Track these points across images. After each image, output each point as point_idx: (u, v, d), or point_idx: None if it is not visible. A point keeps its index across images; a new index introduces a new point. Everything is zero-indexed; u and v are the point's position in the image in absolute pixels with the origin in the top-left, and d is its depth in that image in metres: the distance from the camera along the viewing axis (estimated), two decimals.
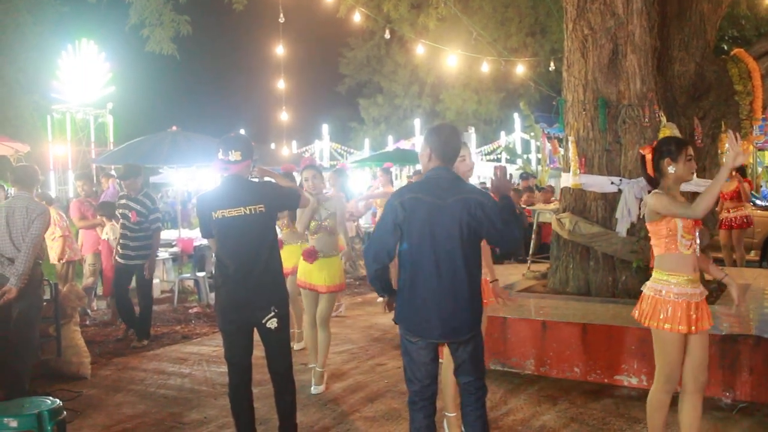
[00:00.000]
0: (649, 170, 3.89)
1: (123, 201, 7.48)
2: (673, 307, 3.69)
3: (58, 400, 4.27)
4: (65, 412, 4.31)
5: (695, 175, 6.74)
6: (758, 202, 13.23)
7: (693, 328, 3.69)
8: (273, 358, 4.24)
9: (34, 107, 26.54)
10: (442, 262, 3.37)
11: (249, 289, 4.08)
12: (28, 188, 5.45)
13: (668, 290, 3.72)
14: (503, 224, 3.38)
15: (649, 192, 3.87)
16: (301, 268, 5.69)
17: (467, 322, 3.44)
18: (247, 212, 4.08)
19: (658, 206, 3.71)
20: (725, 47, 15.15)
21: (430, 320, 3.40)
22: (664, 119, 6.81)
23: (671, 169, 3.79)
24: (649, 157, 3.88)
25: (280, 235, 6.42)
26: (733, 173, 7.93)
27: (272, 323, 4.11)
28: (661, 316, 3.71)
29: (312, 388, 5.57)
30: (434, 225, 3.38)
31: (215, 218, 4.08)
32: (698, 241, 3.79)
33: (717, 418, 4.75)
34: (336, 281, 5.63)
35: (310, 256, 5.56)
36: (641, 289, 3.88)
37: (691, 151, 3.84)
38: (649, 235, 3.88)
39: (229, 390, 4.23)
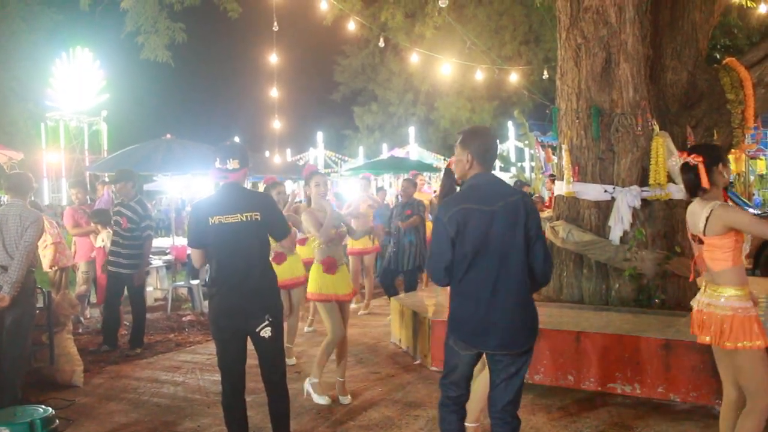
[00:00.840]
0: (705, 180, 3.65)
1: (117, 208, 7.47)
2: (758, 322, 3.52)
3: (50, 409, 4.26)
4: (58, 421, 4.29)
5: None
6: (750, 210, 13.30)
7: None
8: (267, 366, 4.23)
9: (28, 115, 26.54)
10: (502, 270, 3.29)
11: (243, 297, 4.06)
12: (22, 196, 5.44)
13: (743, 305, 3.54)
14: (544, 254, 3.36)
15: (688, 201, 3.75)
16: (323, 281, 5.45)
17: (526, 331, 3.37)
18: (244, 219, 4.08)
19: (737, 221, 3.51)
20: (717, 56, 15.24)
21: (489, 330, 3.31)
22: (656, 127, 6.85)
23: (725, 175, 3.70)
24: (703, 166, 3.65)
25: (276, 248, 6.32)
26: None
27: (266, 332, 4.10)
28: (750, 334, 3.49)
29: (341, 399, 5.50)
30: (489, 234, 3.29)
31: (212, 224, 4.05)
32: None
33: (710, 426, 4.75)
34: (352, 286, 5.68)
35: (333, 266, 5.45)
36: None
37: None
38: (707, 250, 3.64)
39: (222, 398, 4.22)
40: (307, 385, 5.57)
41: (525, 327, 3.36)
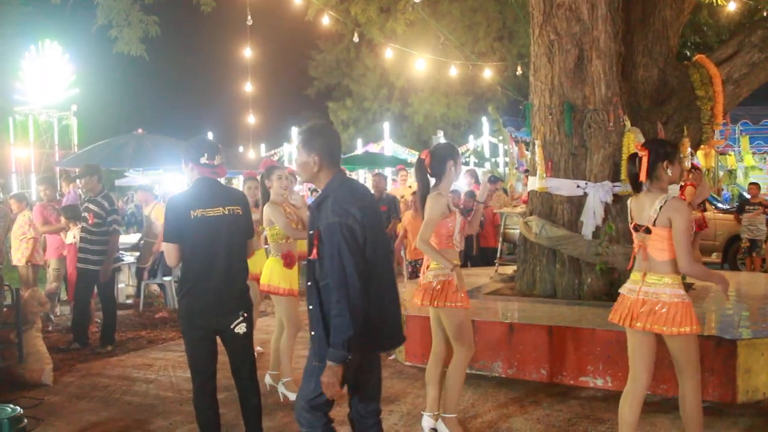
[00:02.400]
0: (643, 173, 3.74)
1: (84, 204, 7.40)
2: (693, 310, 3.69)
3: (18, 408, 4.19)
4: (26, 420, 4.23)
5: None
6: (720, 205, 13.52)
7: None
8: (238, 363, 4.20)
9: None
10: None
11: (220, 293, 4.02)
12: None
13: (684, 293, 3.69)
14: None
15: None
16: (279, 274, 5.47)
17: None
18: (226, 212, 4.06)
19: (676, 226, 3.60)
20: (688, 53, 15.45)
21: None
22: (628, 124, 6.92)
23: (669, 172, 3.74)
24: (645, 159, 3.73)
25: None
26: (689, 176, 8.06)
27: (241, 328, 4.08)
28: (694, 319, 3.66)
29: (291, 396, 5.39)
30: (381, 234, 3.38)
31: (193, 217, 3.97)
32: None
33: (680, 418, 4.81)
34: None
35: (293, 261, 5.45)
36: (661, 298, 3.68)
37: (693, 153, 3.88)
38: (654, 240, 3.72)
39: (194, 397, 4.18)
40: (280, 388, 5.51)
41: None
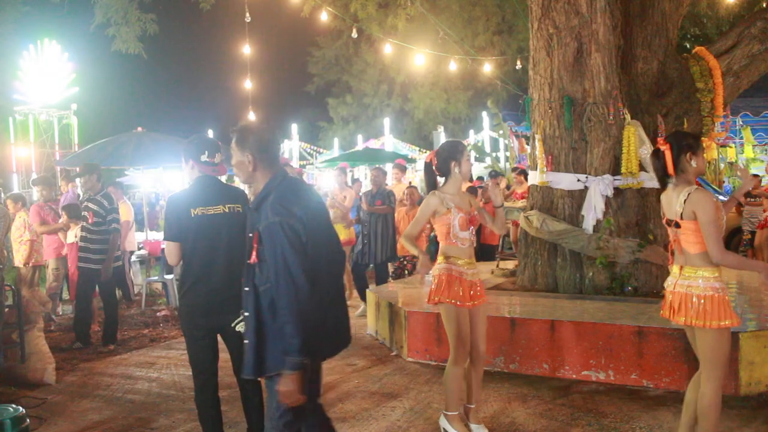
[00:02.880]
0: (670, 167, 3.72)
1: (84, 203, 7.40)
2: (729, 303, 3.66)
3: (21, 408, 4.19)
4: (29, 420, 4.23)
5: None
6: (721, 197, 13.49)
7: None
8: (240, 361, 4.19)
9: None
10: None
11: (221, 292, 4.01)
12: None
13: (721, 286, 3.65)
14: None
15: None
16: None
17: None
18: (227, 210, 4.05)
19: (700, 212, 3.56)
20: (687, 46, 15.42)
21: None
22: (628, 117, 6.90)
23: (693, 164, 3.70)
24: (669, 153, 3.71)
25: None
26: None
27: (242, 327, 4.07)
28: (728, 314, 3.61)
29: None
30: (327, 234, 3.25)
31: (194, 215, 3.97)
32: None
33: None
34: None
35: None
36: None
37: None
38: (684, 233, 3.68)
39: (196, 395, 4.17)
40: None
41: None
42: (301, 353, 2.89)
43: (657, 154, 3.81)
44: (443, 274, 4.35)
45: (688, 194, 3.63)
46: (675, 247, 3.81)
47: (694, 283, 3.66)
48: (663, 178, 3.82)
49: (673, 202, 3.74)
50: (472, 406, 4.52)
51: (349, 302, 9.30)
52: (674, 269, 3.81)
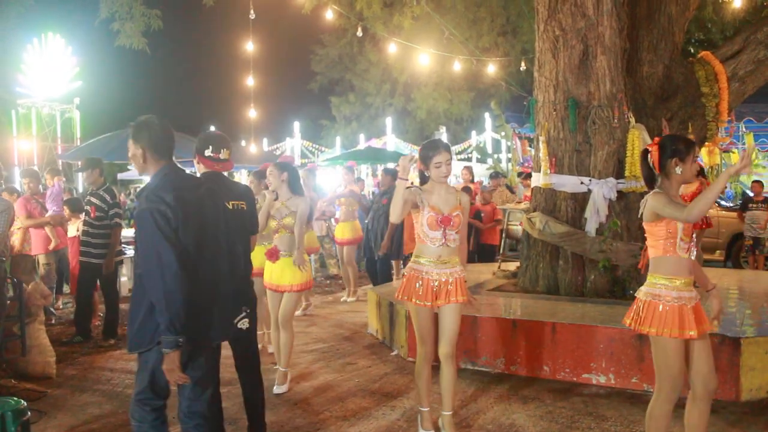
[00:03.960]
0: (656, 169, 3.66)
1: (87, 197, 7.41)
2: (671, 311, 3.53)
3: (22, 401, 4.18)
4: (30, 413, 4.22)
5: None
6: (723, 203, 13.49)
7: (692, 332, 3.52)
8: (242, 357, 4.21)
9: None
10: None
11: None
12: None
13: (666, 294, 3.56)
14: None
15: (644, 192, 3.77)
16: (266, 269, 5.60)
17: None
18: (230, 207, 4.06)
19: (657, 206, 3.51)
20: (692, 50, 15.39)
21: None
22: (632, 120, 6.90)
23: (678, 170, 3.60)
24: (656, 154, 3.65)
25: None
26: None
27: (244, 323, 4.09)
28: (661, 322, 3.54)
29: (275, 388, 5.47)
30: (214, 224, 3.46)
31: None
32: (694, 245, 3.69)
33: (683, 416, 4.80)
34: (299, 280, 5.49)
35: (273, 255, 5.47)
36: (633, 293, 3.72)
37: (698, 152, 3.76)
38: (646, 235, 3.73)
39: None
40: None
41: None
42: (171, 332, 3.03)
43: (645, 154, 3.76)
44: (408, 272, 4.40)
45: (647, 198, 3.63)
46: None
47: (651, 290, 3.64)
48: (648, 179, 3.77)
49: (642, 205, 3.73)
50: (448, 413, 4.45)
51: (354, 298, 9.42)
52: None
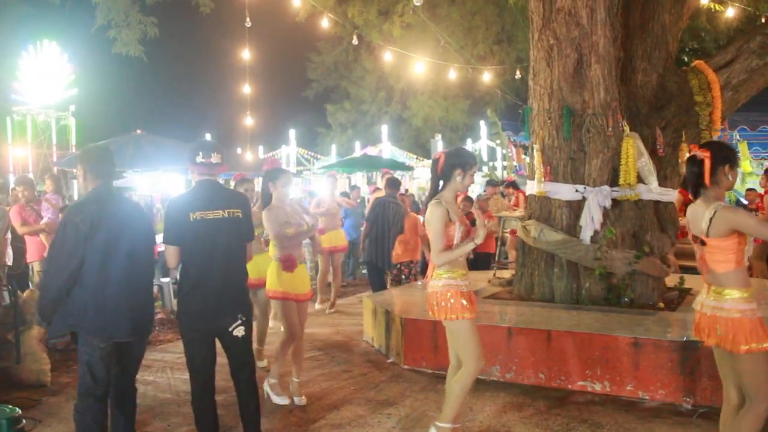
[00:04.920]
0: (707, 177, 3.57)
1: None
2: (762, 325, 3.47)
3: (17, 408, 4.19)
4: (24, 421, 4.23)
5: (657, 183, 6.89)
6: None
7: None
8: (237, 365, 4.20)
9: None
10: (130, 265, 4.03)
11: (219, 297, 4.02)
12: None
13: (748, 308, 3.47)
14: None
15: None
16: (281, 279, 5.32)
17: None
18: (226, 215, 4.05)
19: (739, 221, 3.43)
20: (686, 59, 15.49)
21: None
22: (627, 128, 6.93)
23: (729, 177, 3.56)
24: (708, 162, 3.55)
25: None
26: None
27: (239, 331, 4.08)
28: (755, 337, 3.42)
29: (296, 400, 5.39)
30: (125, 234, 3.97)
31: (192, 220, 3.97)
32: None
33: (678, 423, 4.83)
34: (309, 287, 5.56)
35: (291, 264, 5.32)
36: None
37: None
38: (710, 251, 3.57)
39: (192, 398, 4.18)
40: (265, 387, 5.48)
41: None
42: (42, 319, 3.99)
43: (694, 161, 3.65)
44: (451, 291, 4.16)
45: (714, 212, 3.50)
46: (701, 265, 3.68)
47: (722, 305, 3.52)
48: (696, 187, 3.65)
49: (700, 217, 3.59)
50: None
51: (333, 309, 9.41)
52: (704, 288, 3.68)
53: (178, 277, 4.64)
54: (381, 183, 13.33)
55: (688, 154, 3.76)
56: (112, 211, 3.93)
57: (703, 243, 3.60)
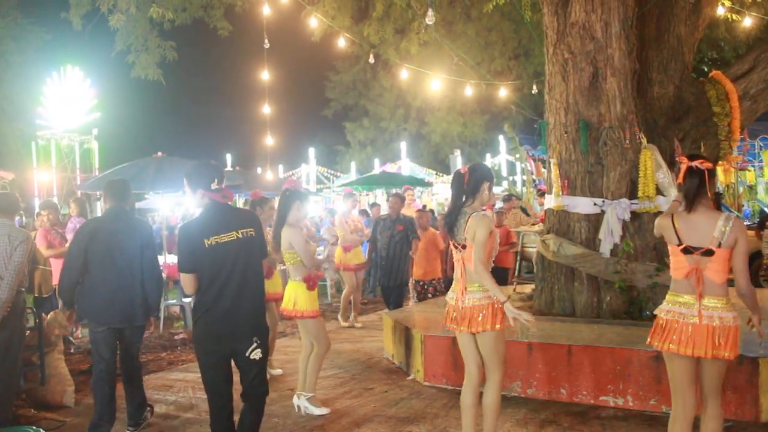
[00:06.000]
0: (707, 188, 3.68)
1: None
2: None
3: (42, 430, 4.21)
4: None
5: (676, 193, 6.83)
6: None
7: None
8: (251, 387, 4.09)
9: (19, 134, 26.50)
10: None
11: (234, 319, 3.95)
12: (9, 216, 5.43)
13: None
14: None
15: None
16: (304, 298, 5.51)
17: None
18: (240, 236, 3.98)
19: (743, 242, 3.62)
20: (705, 69, 15.38)
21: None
22: (644, 141, 6.90)
23: (712, 188, 3.74)
24: (707, 173, 3.67)
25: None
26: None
27: (256, 354, 4.01)
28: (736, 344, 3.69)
29: (314, 410, 5.54)
30: (118, 244, 5.14)
31: (208, 245, 3.90)
32: None
33: None
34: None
35: (314, 283, 5.51)
36: (650, 314, 3.67)
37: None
38: (715, 262, 3.66)
39: (211, 420, 4.11)
40: (303, 402, 5.54)
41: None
42: (63, 302, 5.28)
43: (693, 172, 3.70)
44: (488, 303, 4.26)
45: (732, 222, 3.56)
46: (692, 275, 3.69)
47: (723, 314, 3.60)
48: (695, 198, 3.70)
49: (706, 228, 3.62)
50: None
51: (358, 324, 9.45)
52: (686, 299, 3.71)
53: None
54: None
55: (684, 165, 3.77)
56: (107, 226, 5.17)
57: (710, 253, 3.63)
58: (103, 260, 5.03)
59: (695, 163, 3.70)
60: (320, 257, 5.68)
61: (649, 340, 3.88)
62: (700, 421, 3.87)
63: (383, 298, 9.42)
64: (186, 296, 9.61)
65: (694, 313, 3.66)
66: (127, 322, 5.12)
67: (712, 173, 3.71)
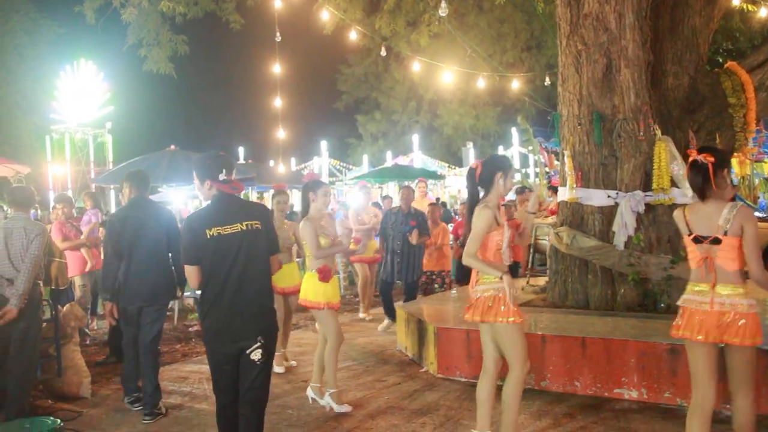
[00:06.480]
0: (713, 180, 3.71)
1: None
2: None
3: (59, 420, 4.29)
4: None
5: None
6: (756, 213, 13.26)
7: None
8: (249, 390, 3.88)
9: (33, 128, 26.67)
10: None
11: (236, 316, 3.81)
12: (25, 209, 5.49)
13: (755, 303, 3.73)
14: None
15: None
16: (315, 289, 5.48)
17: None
18: (244, 228, 3.84)
19: (749, 234, 3.61)
20: (720, 60, 15.24)
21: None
22: (659, 132, 6.86)
23: (727, 180, 3.73)
24: (711, 166, 3.70)
25: None
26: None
27: (256, 354, 3.82)
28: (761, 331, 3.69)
29: (337, 408, 5.47)
30: (145, 233, 5.68)
31: (209, 236, 3.78)
32: None
33: (718, 430, 4.74)
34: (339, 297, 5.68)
35: (329, 275, 5.47)
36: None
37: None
38: (724, 250, 3.69)
39: (216, 415, 4.02)
40: (327, 399, 5.52)
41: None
42: (104, 292, 5.77)
43: (697, 166, 3.76)
44: (501, 293, 4.20)
45: (737, 209, 3.62)
46: (703, 264, 3.75)
47: (736, 301, 3.64)
48: (704, 190, 3.77)
49: (713, 217, 3.70)
50: None
51: (368, 317, 9.45)
52: (701, 287, 3.77)
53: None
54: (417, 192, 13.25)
55: (691, 158, 3.82)
56: (136, 213, 5.63)
57: (717, 242, 3.69)
58: (134, 246, 5.54)
59: (699, 157, 3.77)
60: (332, 249, 5.60)
61: (674, 331, 3.93)
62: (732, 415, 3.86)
63: (383, 300, 8.94)
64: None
65: (707, 300, 3.73)
66: (149, 302, 5.62)
67: (720, 165, 3.71)
